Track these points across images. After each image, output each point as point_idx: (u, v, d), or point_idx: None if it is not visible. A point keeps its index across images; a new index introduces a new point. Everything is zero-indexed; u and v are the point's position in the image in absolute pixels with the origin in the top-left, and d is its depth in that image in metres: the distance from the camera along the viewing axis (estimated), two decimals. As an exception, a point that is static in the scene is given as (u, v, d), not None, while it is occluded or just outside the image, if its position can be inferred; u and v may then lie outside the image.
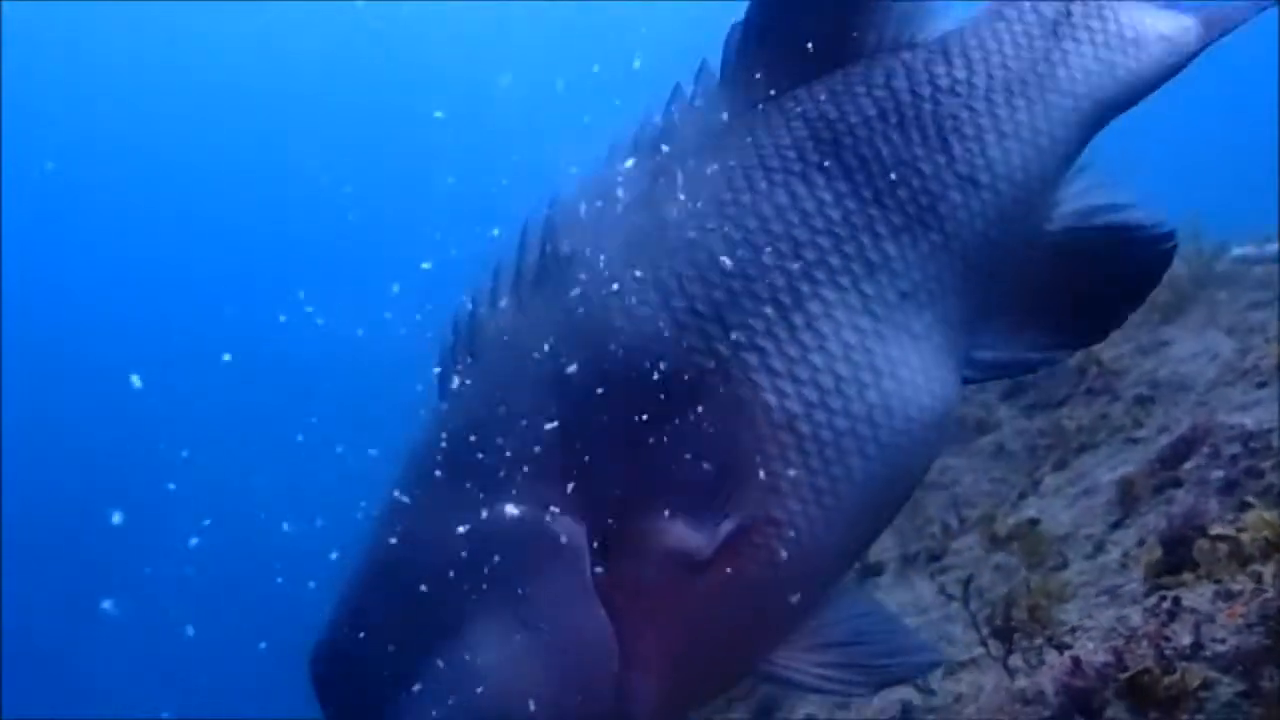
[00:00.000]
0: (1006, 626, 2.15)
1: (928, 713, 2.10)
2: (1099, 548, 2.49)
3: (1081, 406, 3.35)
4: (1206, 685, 1.47)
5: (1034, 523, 2.83)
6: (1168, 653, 1.55)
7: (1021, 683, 1.76)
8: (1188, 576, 1.81)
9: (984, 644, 2.18)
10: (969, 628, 2.44)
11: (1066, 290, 1.35)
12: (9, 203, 14.56)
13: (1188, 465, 2.42)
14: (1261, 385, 2.64)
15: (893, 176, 1.25)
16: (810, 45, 1.30)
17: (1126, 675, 1.49)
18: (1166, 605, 1.67)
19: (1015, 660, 1.96)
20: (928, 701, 2.16)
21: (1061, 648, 1.69)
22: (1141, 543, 2.31)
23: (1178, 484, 2.39)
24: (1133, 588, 2.11)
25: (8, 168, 14.34)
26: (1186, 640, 1.55)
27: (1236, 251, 4.18)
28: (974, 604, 2.36)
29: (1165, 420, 2.90)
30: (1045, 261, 1.33)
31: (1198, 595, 1.69)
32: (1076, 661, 1.61)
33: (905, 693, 2.20)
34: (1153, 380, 3.15)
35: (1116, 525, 2.52)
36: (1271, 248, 4.13)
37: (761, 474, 1.17)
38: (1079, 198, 1.34)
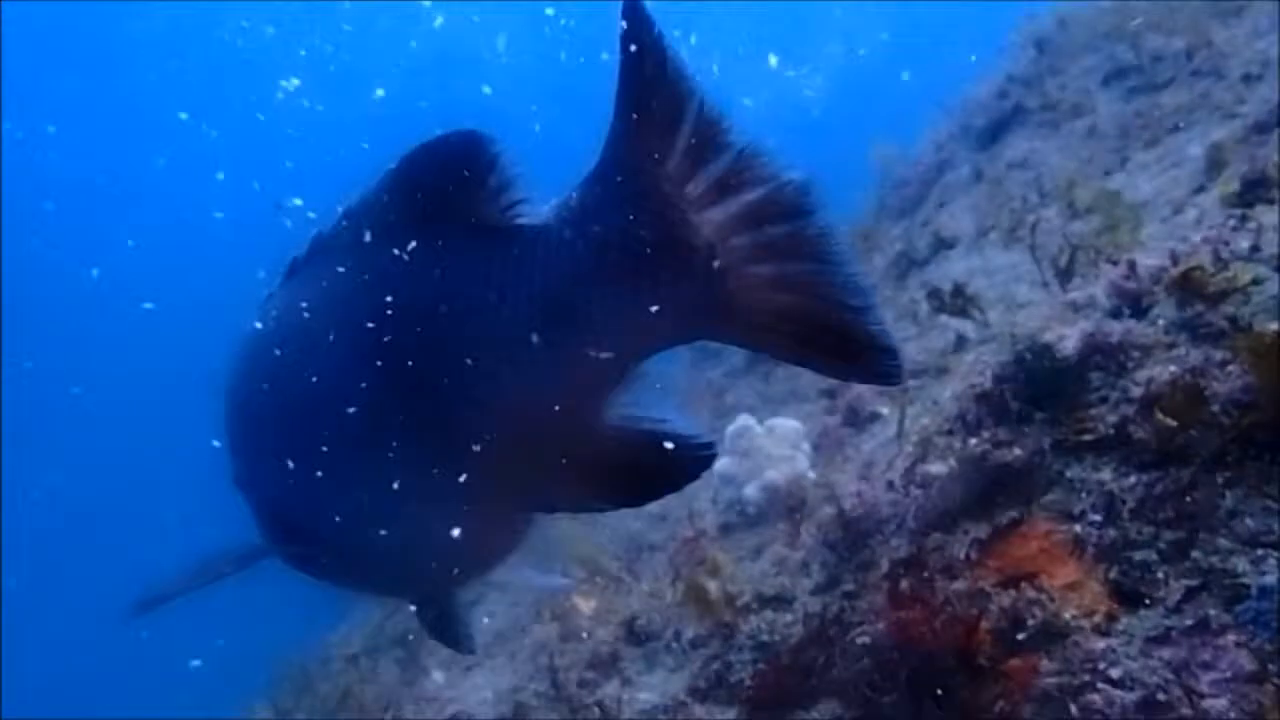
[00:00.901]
0: (1070, 266, 2.22)
1: (979, 344, 2.20)
2: (1178, 210, 2.50)
3: (1185, 89, 3.26)
4: (1257, 281, 1.54)
5: (1116, 193, 2.84)
6: (1224, 255, 1.60)
7: (1075, 294, 1.84)
8: (1260, 207, 1.84)
9: (1045, 284, 2.25)
10: (1035, 286, 2.52)
11: (617, 473, 1.32)
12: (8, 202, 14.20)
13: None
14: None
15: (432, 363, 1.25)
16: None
17: (1178, 270, 1.56)
18: (1232, 222, 1.72)
19: (1074, 286, 2.04)
20: (982, 333, 2.25)
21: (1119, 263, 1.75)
22: (1222, 201, 2.32)
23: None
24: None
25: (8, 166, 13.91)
26: (1245, 244, 1.60)
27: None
28: (1042, 256, 2.43)
29: (1269, 95, 2.82)
30: (593, 451, 1.30)
31: (1263, 214, 1.73)
32: (1132, 265, 1.68)
33: (960, 325, 2.30)
34: (1264, 59, 3.03)
35: (1199, 190, 2.51)
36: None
37: None
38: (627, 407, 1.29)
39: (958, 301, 2.19)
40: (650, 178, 1.13)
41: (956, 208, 3.80)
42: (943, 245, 3.43)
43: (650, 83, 1.10)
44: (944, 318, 2.32)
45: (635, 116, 1.12)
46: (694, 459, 1.27)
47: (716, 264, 1.12)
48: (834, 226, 1.15)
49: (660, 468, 1.29)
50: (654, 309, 1.16)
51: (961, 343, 2.31)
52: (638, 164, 1.13)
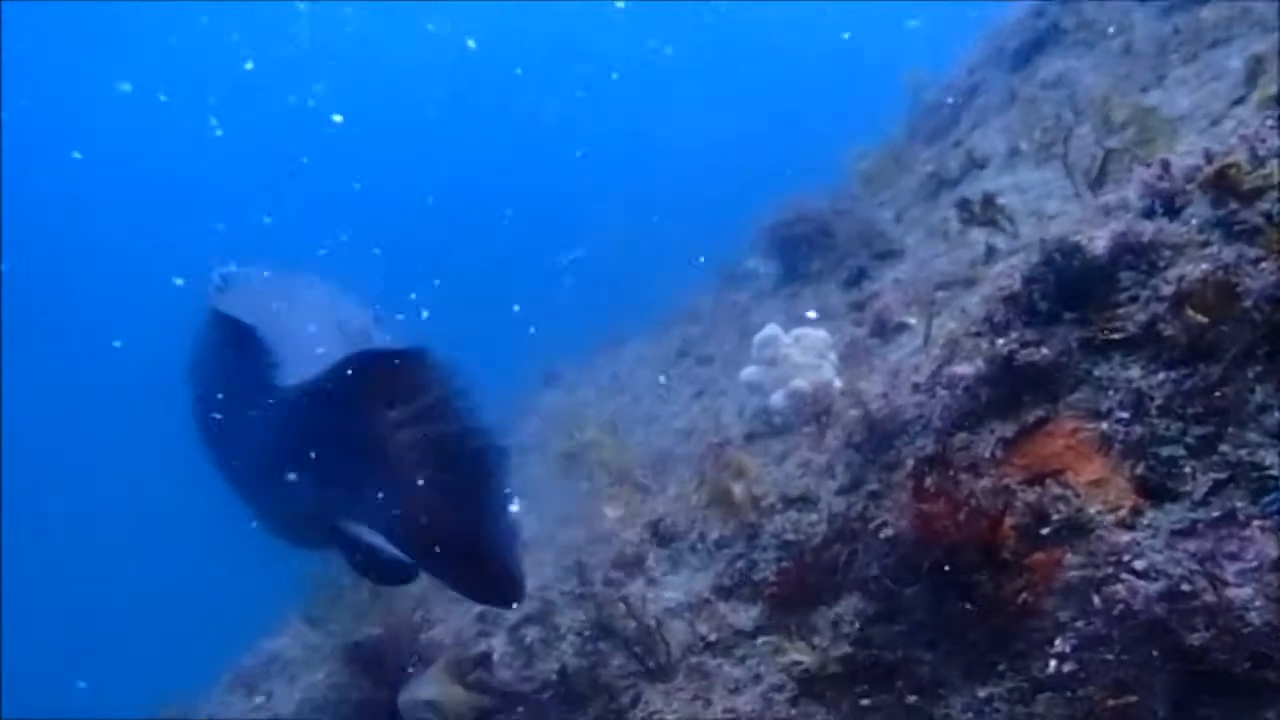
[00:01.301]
0: (1102, 173, 2.20)
1: (1009, 255, 2.18)
2: (1215, 122, 2.46)
3: (1225, 4, 3.18)
4: (1293, 177, 1.51)
5: (1152, 109, 2.79)
6: (1261, 152, 1.58)
7: (1107, 197, 1.82)
8: (1299, 112, 1.81)
9: (1077, 195, 2.23)
10: (1067, 199, 2.49)
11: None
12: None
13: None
14: None
15: None
16: None
17: (1213, 168, 1.54)
18: (1270, 121, 1.69)
19: (1106, 191, 2.01)
20: (1012, 244, 2.23)
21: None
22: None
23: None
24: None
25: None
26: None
27: None
28: (1075, 170, 2.40)
29: (1313, 10, 2.75)
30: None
31: (1303, 115, 1.70)
32: (1166, 164, 1.65)
33: (989, 236, 2.28)
34: (1310, -27, 2.95)
35: (1238, 102, 2.47)
36: None
37: None
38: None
39: (988, 212, 2.17)
40: None
41: (989, 129, 3.75)
42: (974, 165, 3.39)
43: None
44: (974, 231, 2.30)
45: None
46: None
47: None
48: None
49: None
50: None
51: (991, 253, 2.29)
52: None
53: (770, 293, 3.63)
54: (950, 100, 4.46)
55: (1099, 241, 1.63)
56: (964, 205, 2.16)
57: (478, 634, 2.29)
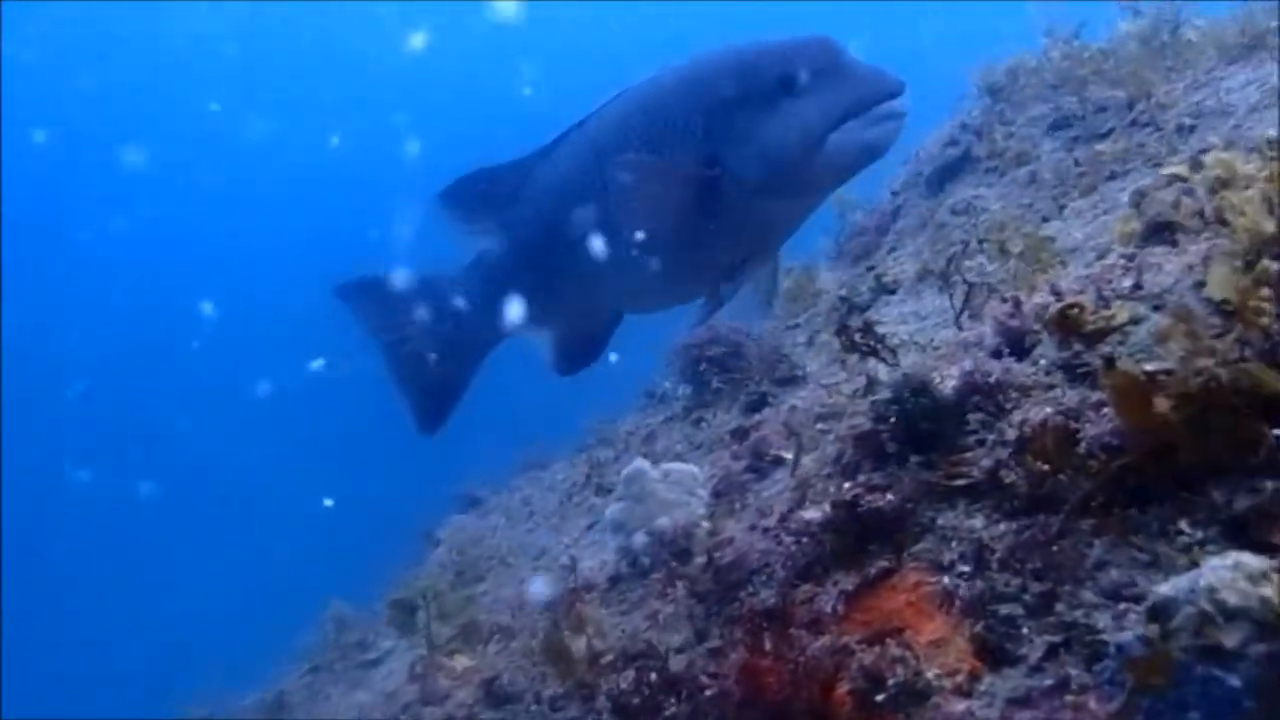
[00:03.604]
0: (965, 305, 2.16)
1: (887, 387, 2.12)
2: (1101, 255, 2.44)
3: (1123, 138, 3.22)
4: (1135, 320, 1.47)
5: (1049, 239, 2.78)
6: (1106, 293, 1.54)
7: (968, 333, 1.77)
8: (1160, 248, 1.78)
9: (957, 322, 2.18)
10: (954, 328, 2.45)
11: None
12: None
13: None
14: (1304, 103, 2.50)
15: None
16: None
17: (1057, 308, 1.49)
18: (1122, 260, 1.65)
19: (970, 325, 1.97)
20: (893, 375, 2.18)
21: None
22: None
23: (1190, 193, 2.32)
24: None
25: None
26: (1127, 284, 1.54)
27: (1326, 6, 3.88)
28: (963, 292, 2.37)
29: (1200, 145, 2.78)
30: None
31: (1156, 254, 1.67)
32: (1017, 303, 1.61)
33: (870, 366, 2.23)
34: (1197, 111, 3.01)
35: (1125, 235, 2.46)
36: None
37: None
38: None
39: (867, 340, 2.11)
40: None
41: (903, 253, 3.76)
42: (884, 290, 3.37)
43: None
44: (870, 360, 2.25)
45: None
46: None
47: None
48: None
49: None
50: None
51: (872, 386, 2.22)
52: None
53: (681, 416, 3.57)
54: (873, 223, 4.49)
55: (948, 381, 1.57)
56: (843, 332, 2.10)
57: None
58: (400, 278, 2.70)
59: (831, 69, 2.16)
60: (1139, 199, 2.52)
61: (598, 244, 2.32)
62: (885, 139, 2.19)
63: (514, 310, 2.51)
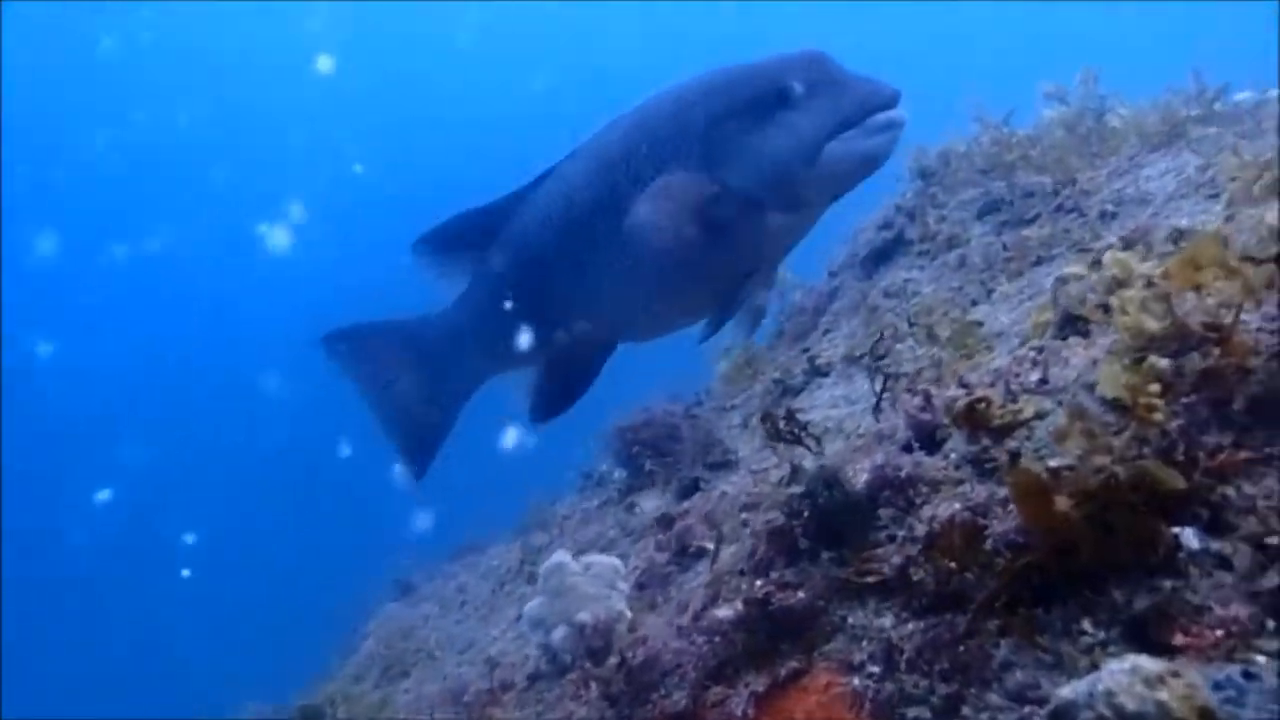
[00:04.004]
0: (881, 396, 2.16)
1: (803, 480, 2.11)
2: (1024, 341, 2.46)
3: (1049, 223, 3.29)
4: (1040, 415, 1.47)
5: (976, 324, 2.81)
6: (1014, 387, 1.54)
7: (884, 424, 1.77)
8: (1074, 339, 1.79)
9: (875, 412, 2.18)
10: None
11: None
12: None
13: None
14: (1213, 196, 2.57)
15: None
16: None
17: (964, 402, 1.49)
18: (1032, 353, 1.66)
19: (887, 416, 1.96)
20: (816, 461, 2.17)
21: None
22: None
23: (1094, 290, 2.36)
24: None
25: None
26: (1034, 378, 1.54)
27: (1240, 95, 4.02)
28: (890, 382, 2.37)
29: (1121, 232, 2.84)
30: None
31: (1066, 346, 1.68)
32: (928, 397, 1.61)
33: (795, 454, 2.22)
34: (1118, 198, 3.08)
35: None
36: (1273, 92, 3.97)
37: None
38: None
39: (790, 428, 2.10)
40: None
41: (837, 335, 3.78)
42: (817, 372, 3.38)
43: None
44: (797, 448, 2.23)
45: None
46: None
47: None
48: None
49: None
50: None
51: (795, 474, 2.21)
52: None
53: (616, 499, 3.53)
54: (811, 304, 4.52)
55: (860, 475, 1.56)
56: (767, 419, 2.09)
57: None
58: (382, 324, 2.73)
59: (826, 81, 2.18)
60: (1060, 286, 2.56)
61: (604, 268, 2.35)
62: (884, 148, 2.20)
63: (497, 349, 2.54)
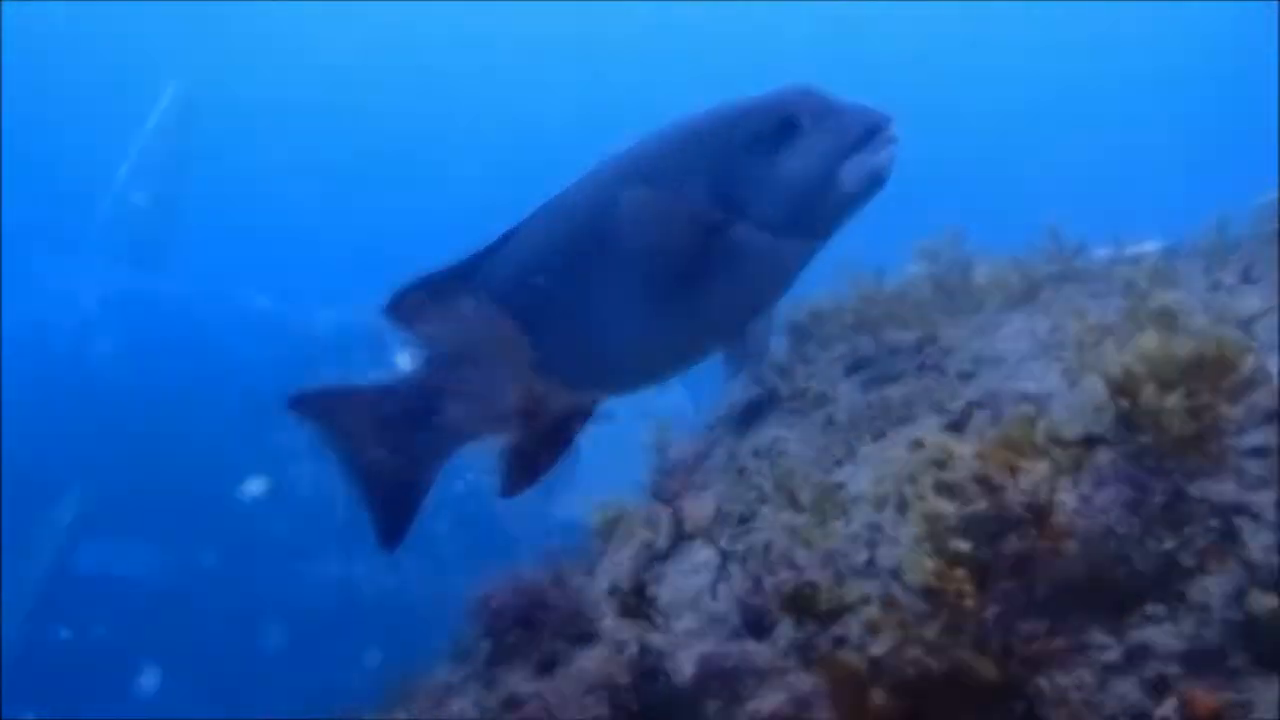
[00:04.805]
0: (721, 573, 2.10)
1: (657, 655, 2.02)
2: (880, 507, 2.44)
3: (912, 381, 3.32)
4: (864, 600, 1.41)
5: (838, 486, 2.78)
6: (843, 569, 1.49)
7: (719, 606, 1.69)
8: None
9: (713, 593, 2.11)
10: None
11: None
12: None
13: (972, 424, 2.40)
14: (1060, 359, 2.62)
15: None
16: None
17: (790, 587, 1.43)
18: (865, 530, 1.62)
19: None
20: (666, 643, 2.07)
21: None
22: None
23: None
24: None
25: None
26: (862, 559, 1.50)
27: (1099, 252, 4.18)
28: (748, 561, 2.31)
29: (977, 393, 2.87)
30: None
31: (899, 519, 1.64)
32: (758, 581, 1.55)
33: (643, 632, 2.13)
34: (976, 357, 3.13)
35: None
36: (1131, 250, 4.14)
37: None
38: None
39: (638, 604, 2.02)
40: None
41: (707, 495, 3.72)
42: (683, 536, 3.30)
43: None
44: (628, 623, 2.14)
45: None
46: None
47: None
48: None
49: None
50: None
51: (645, 654, 2.11)
52: None
53: (481, 672, 3.35)
54: (688, 459, 4.47)
55: (686, 665, 1.47)
56: (615, 591, 2.01)
57: None
58: (353, 386, 2.63)
59: (825, 108, 2.25)
60: (917, 447, 2.56)
61: (603, 309, 2.26)
62: (887, 165, 2.24)
63: (473, 410, 2.41)
